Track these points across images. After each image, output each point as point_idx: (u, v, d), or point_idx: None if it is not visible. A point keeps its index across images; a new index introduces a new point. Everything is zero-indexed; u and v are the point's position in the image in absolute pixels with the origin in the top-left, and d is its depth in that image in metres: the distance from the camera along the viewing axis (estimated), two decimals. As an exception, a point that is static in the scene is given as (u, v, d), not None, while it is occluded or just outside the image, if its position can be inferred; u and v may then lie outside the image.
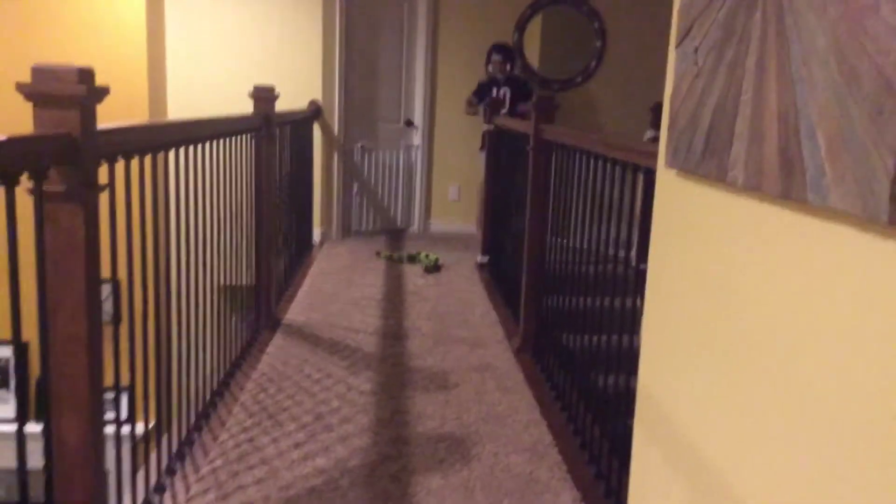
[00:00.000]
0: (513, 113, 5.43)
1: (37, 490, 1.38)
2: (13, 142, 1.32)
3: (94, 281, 1.50)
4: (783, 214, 0.88)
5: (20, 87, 1.42)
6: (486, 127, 5.10)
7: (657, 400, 1.32)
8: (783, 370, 0.88)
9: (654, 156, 1.43)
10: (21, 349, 1.39)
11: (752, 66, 0.97)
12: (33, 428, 1.66)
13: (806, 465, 0.82)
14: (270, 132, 3.38)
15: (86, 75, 1.45)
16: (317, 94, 5.49)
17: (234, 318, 3.05)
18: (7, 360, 4.89)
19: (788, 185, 0.85)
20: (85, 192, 1.46)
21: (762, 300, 0.93)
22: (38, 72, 1.43)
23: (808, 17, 0.83)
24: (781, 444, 0.88)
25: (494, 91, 5.59)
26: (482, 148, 5.40)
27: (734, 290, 1.02)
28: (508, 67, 5.66)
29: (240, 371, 2.95)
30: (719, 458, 1.05)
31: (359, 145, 5.82)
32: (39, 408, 4.53)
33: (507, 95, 5.55)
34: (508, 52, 5.72)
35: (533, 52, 6.02)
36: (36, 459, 1.43)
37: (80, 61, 1.48)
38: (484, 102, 5.43)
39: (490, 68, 5.72)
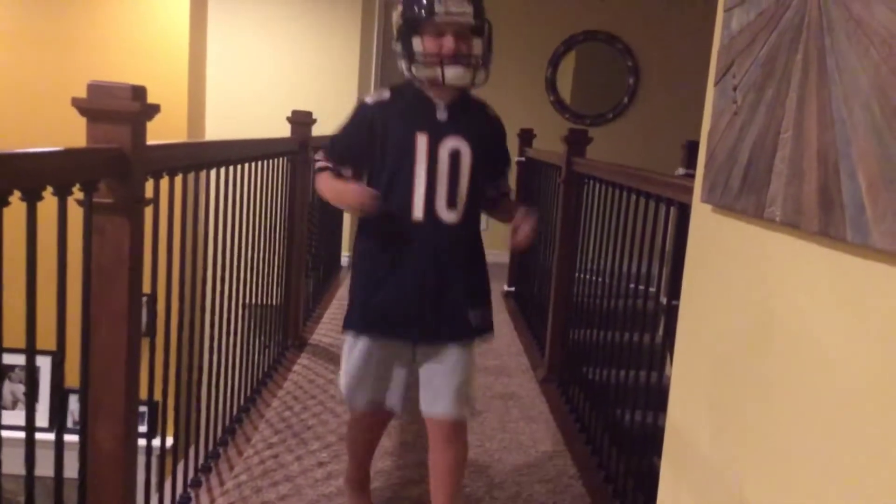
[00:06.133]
0: (472, 209, 1.89)
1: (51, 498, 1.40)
2: (69, 153, 1.37)
3: (136, 292, 1.54)
4: (822, 251, 0.89)
5: (76, 102, 1.47)
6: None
7: (687, 437, 1.32)
8: (824, 408, 0.88)
9: (689, 191, 1.45)
10: (61, 356, 1.43)
11: (793, 105, 0.98)
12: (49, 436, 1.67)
13: None
14: (306, 156, 3.44)
15: (139, 93, 1.50)
16: (351, 121, 5.57)
17: (261, 336, 3.08)
18: (36, 370, 4.96)
19: (827, 222, 0.86)
20: (132, 206, 1.51)
21: (801, 336, 0.94)
22: (93, 88, 1.48)
23: (849, 59, 0.85)
24: (824, 487, 0.87)
25: (424, 140, 1.78)
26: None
27: (771, 326, 1.02)
28: (472, 73, 1.73)
29: (266, 388, 2.98)
30: (755, 502, 1.04)
31: (390, 172, 5.76)
32: (62, 417, 4.58)
33: (470, 157, 1.80)
34: (480, 14, 1.72)
35: (565, 87, 6.08)
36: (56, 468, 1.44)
37: (125, 79, 1.53)
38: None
39: (418, 58, 1.74)
